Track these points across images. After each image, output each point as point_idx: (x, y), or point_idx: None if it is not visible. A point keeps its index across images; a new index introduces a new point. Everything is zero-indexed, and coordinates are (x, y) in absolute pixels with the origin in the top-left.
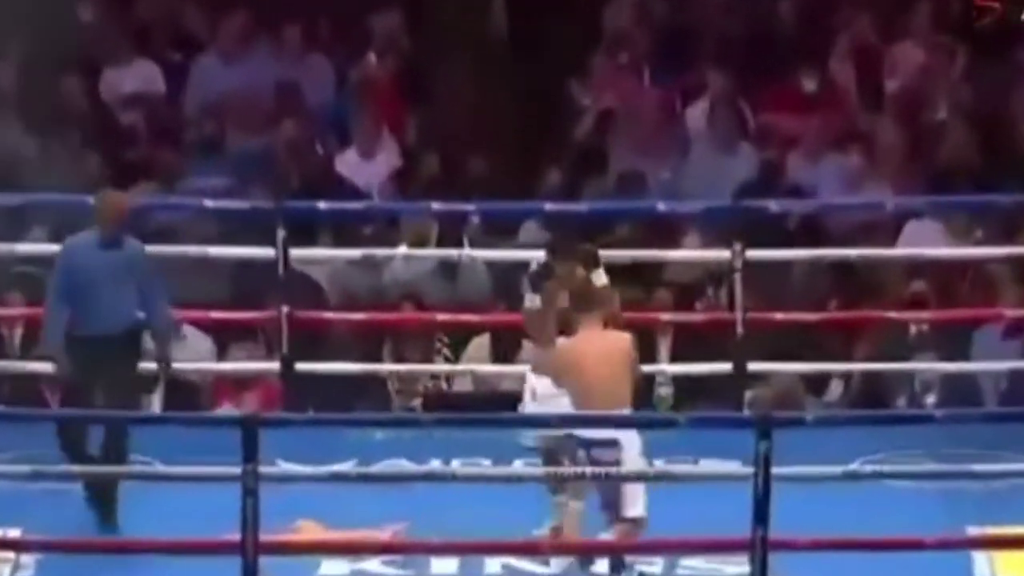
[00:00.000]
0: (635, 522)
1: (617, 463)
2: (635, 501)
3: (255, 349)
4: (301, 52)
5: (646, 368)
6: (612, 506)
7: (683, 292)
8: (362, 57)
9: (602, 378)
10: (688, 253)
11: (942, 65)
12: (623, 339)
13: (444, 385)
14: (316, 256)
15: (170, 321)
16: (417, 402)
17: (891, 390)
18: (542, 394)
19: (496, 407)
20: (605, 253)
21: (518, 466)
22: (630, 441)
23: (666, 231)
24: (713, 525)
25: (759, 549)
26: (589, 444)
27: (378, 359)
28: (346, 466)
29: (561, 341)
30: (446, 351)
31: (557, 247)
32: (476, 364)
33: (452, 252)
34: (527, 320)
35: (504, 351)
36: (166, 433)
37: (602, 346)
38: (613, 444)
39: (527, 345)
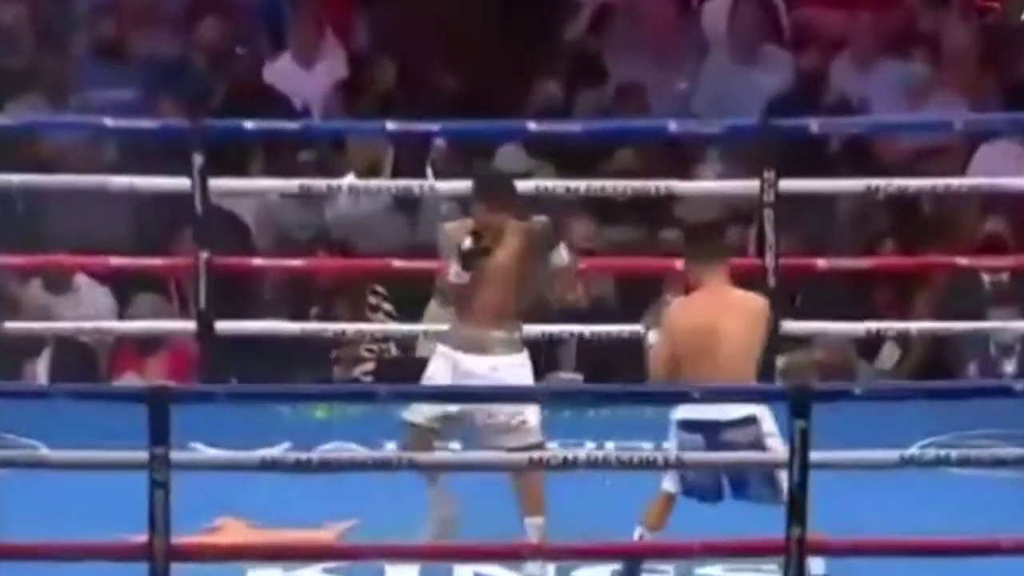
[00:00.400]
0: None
1: (757, 444)
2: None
3: (165, 304)
4: None
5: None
6: (769, 484)
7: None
8: None
9: (728, 349)
10: (706, 184)
11: None
12: (757, 302)
13: (395, 350)
14: (242, 188)
15: None
16: (362, 370)
17: (960, 355)
18: (466, 370)
19: None
20: (603, 184)
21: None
22: (763, 414)
23: (678, 157)
24: (738, 523)
25: (795, 553)
26: (717, 427)
27: (318, 317)
28: (278, 451)
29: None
30: (386, 306)
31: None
32: (439, 324)
33: (412, 184)
34: (454, 291)
35: None
36: (53, 409)
37: (726, 309)
38: (750, 422)
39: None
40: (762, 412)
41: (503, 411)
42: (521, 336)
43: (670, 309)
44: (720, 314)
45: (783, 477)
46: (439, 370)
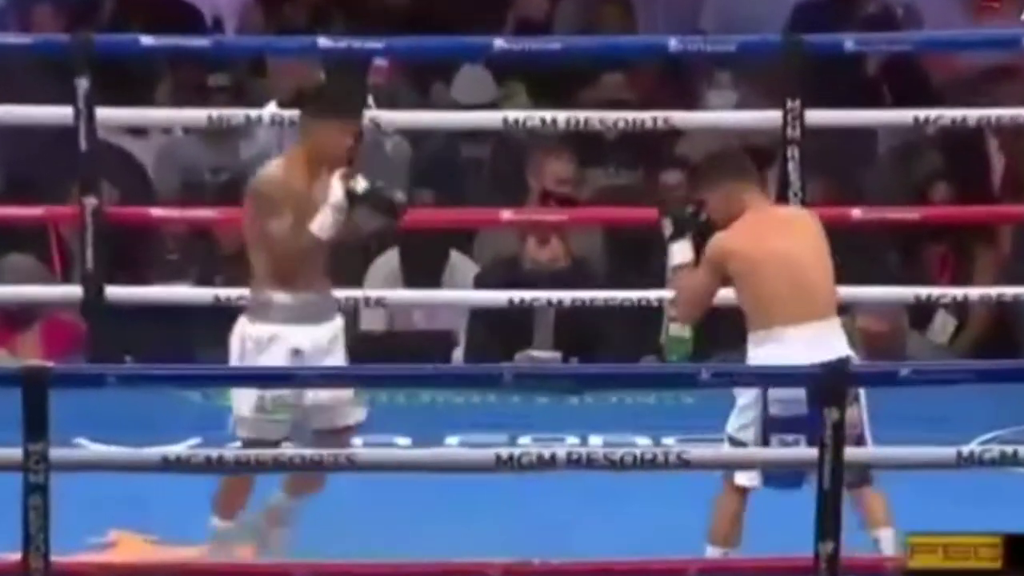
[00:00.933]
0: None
1: (857, 397)
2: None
3: (42, 266)
4: None
5: (648, 293)
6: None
7: None
8: None
9: (801, 274)
10: (715, 116)
11: None
12: (813, 216)
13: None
14: (137, 120)
15: None
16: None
17: None
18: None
19: (413, 352)
20: (588, 116)
21: (452, 444)
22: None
23: (681, 82)
24: (756, 535)
25: (826, 572)
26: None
27: (234, 281)
28: (185, 447)
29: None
30: None
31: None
32: (382, 290)
33: None
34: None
35: (419, 271)
36: None
37: (792, 229)
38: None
39: (456, 259)
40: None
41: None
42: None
43: (721, 242)
44: (794, 236)
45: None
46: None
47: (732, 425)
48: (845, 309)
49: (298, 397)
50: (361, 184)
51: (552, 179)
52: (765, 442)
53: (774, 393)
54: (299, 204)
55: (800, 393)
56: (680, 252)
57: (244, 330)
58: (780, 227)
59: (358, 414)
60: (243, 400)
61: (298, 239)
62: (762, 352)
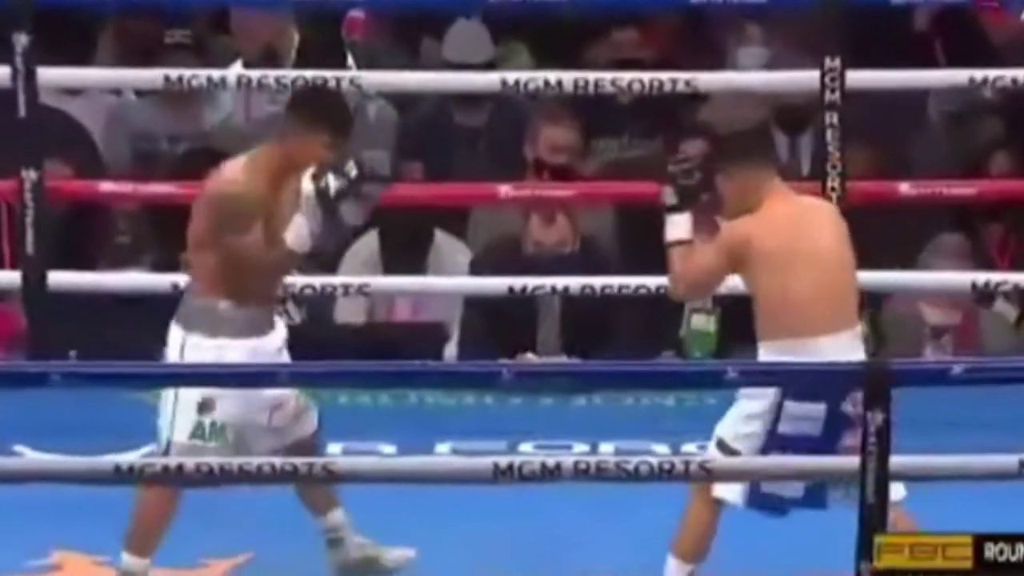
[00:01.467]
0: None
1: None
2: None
3: None
4: None
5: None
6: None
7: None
8: None
9: (833, 278)
10: (743, 78)
11: None
12: (836, 213)
13: (294, 314)
14: (84, 81)
15: None
16: None
17: None
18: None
19: (397, 348)
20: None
21: (443, 452)
22: None
23: (705, 38)
24: (787, 553)
25: None
26: (841, 390)
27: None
28: (139, 456)
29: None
30: None
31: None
32: (359, 276)
33: (325, 75)
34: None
35: (402, 254)
36: None
37: (817, 225)
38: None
39: (441, 241)
40: None
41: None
42: None
43: (747, 227)
44: (823, 231)
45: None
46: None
47: (729, 431)
48: (877, 300)
49: (245, 422)
50: (334, 182)
51: (546, 146)
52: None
53: (790, 409)
54: (268, 214)
55: (816, 411)
56: (681, 226)
57: (183, 342)
58: (810, 220)
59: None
60: (179, 424)
61: (270, 254)
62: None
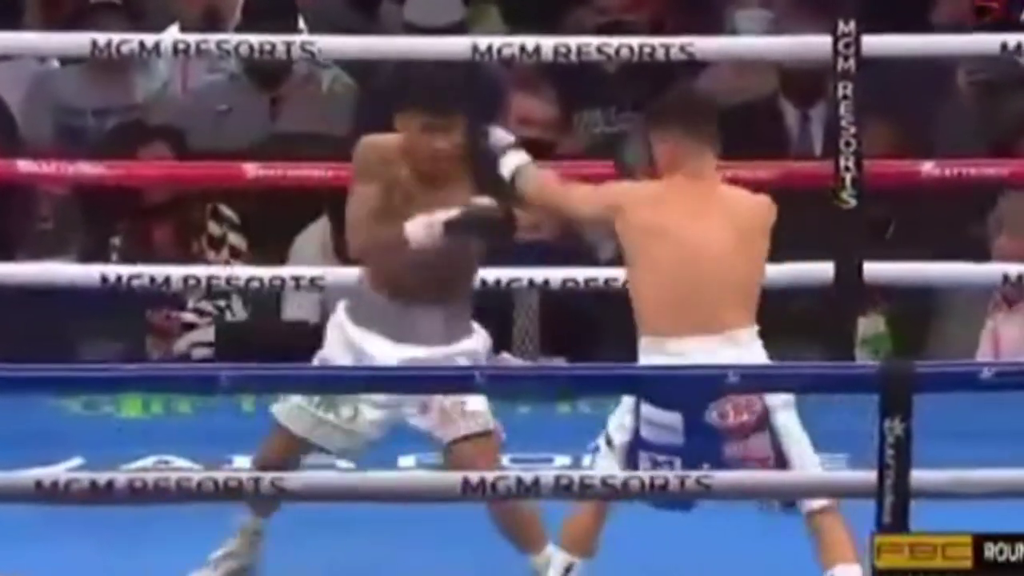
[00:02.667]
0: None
1: (760, 424)
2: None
3: None
4: None
5: None
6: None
7: (736, 119)
8: None
9: (703, 274)
10: (745, 43)
11: None
12: (755, 203)
13: (239, 310)
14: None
15: None
16: (194, 341)
17: None
18: None
19: None
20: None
21: (407, 466)
22: (786, 405)
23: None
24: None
25: None
26: (700, 399)
27: (124, 255)
28: (64, 470)
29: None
30: (234, 239)
31: None
32: (306, 267)
33: (273, 41)
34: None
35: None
36: None
37: (710, 212)
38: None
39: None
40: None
41: (439, 400)
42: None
43: (624, 189)
44: (704, 216)
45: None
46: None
47: (614, 420)
48: (896, 295)
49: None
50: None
51: (517, 117)
52: (632, 453)
53: (647, 413)
54: (390, 184)
55: (672, 419)
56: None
57: (343, 329)
58: (705, 208)
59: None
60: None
61: (378, 225)
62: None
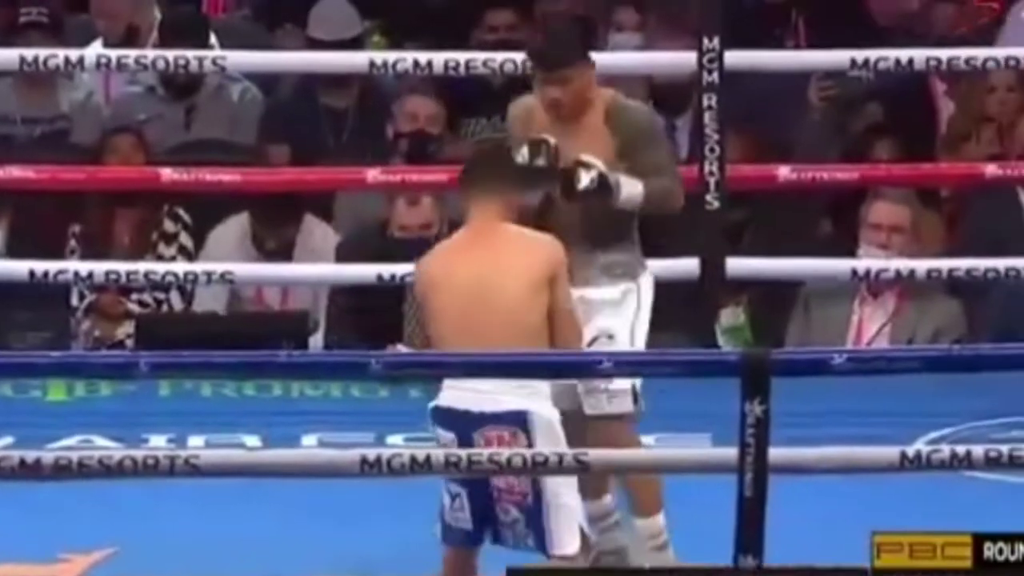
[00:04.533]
0: (571, 560)
1: (532, 459)
2: (567, 526)
3: None
4: None
5: None
6: (530, 535)
7: None
8: None
9: (480, 314)
10: (618, 57)
11: None
12: (542, 243)
13: (177, 301)
14: None
15: None
16: (126, 332)
17: (1007, 309)
18: None
19: (260, 337)
20: (469, 58)
21: (310, 445)
22: (547, 417)
23: (577, 18)
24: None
25: None
26: (469, 421)
27: (55, 253)
28: None
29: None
30: (184, 239)
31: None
32: (227, 260)
33: (186, 55)
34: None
35: (270, 239)
36: None
37: (485, 261)
38: (518, 421)
39: (311, 223)
40: (541, 412)
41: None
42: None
43: (422, 264)
44: (482, 262)
45: (552, 533)
46: None
47: None
48: (756, 288)
49: None
50: (584, 179)
51: (406, 116)
52: None
53: (436, 432)
54: (528, 127)
55: (449, 439)
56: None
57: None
58: (490, 256)
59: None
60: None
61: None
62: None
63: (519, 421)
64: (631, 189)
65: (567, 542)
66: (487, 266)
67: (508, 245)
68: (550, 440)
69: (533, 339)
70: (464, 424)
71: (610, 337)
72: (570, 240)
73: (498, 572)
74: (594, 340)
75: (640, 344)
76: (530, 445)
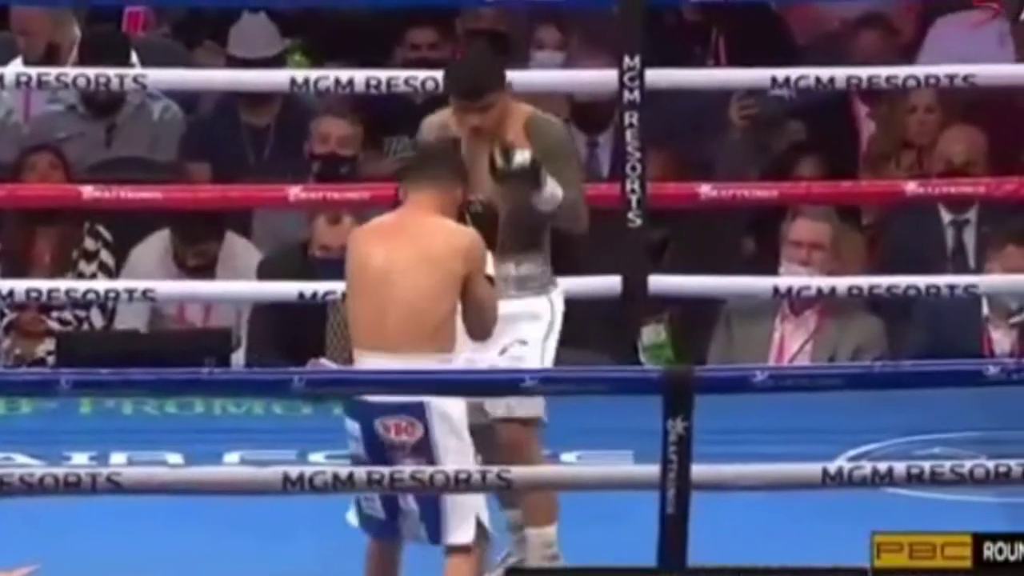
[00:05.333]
0: (465, 550)
1: (421, 449)
2: (462, 517)
3: None
4: None
5: None
6: (422, 527)
7: None
8: None
9: (385, 297)
10: (539, 76)
11: None
12: (459, 236)
13: (98, 319)
14: None
15: None
16: (48, 349)
17: (928, 323)
18: None
19: (182, 354)
20: (388, 77)
21: (232, 462)
22: (445, 410)
23: (498, 37)
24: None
25: None
26: (371, 411)
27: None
28: None
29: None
30: (105, 256)
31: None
32: (148, 277)
33: (107, 73)
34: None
35: (193, 254)
36: None
37: (401, 250)
38: (414, 412)
39: (232, 240)
40: (439, 403)
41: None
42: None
43: (353, 237)
44: (398, 247)
45: (446, 521)
46: None
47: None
48: (681, 305)
49: None
50: (518, 156)
51: (319, 138)
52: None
53: (346, 423)
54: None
55: (355, 429)
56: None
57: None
58: (398, 238)
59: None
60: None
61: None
62: None
63: (416, 411)
64: (554, 188)
65: (461, 532)
66: (402, 256)
67: (429, 237)
68: (450, 431)
69: (429, 338)
70: (366, 413)
71: (523, 343)
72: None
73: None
74: (504, 350)
75: (549, 361)
76: (427, 435)
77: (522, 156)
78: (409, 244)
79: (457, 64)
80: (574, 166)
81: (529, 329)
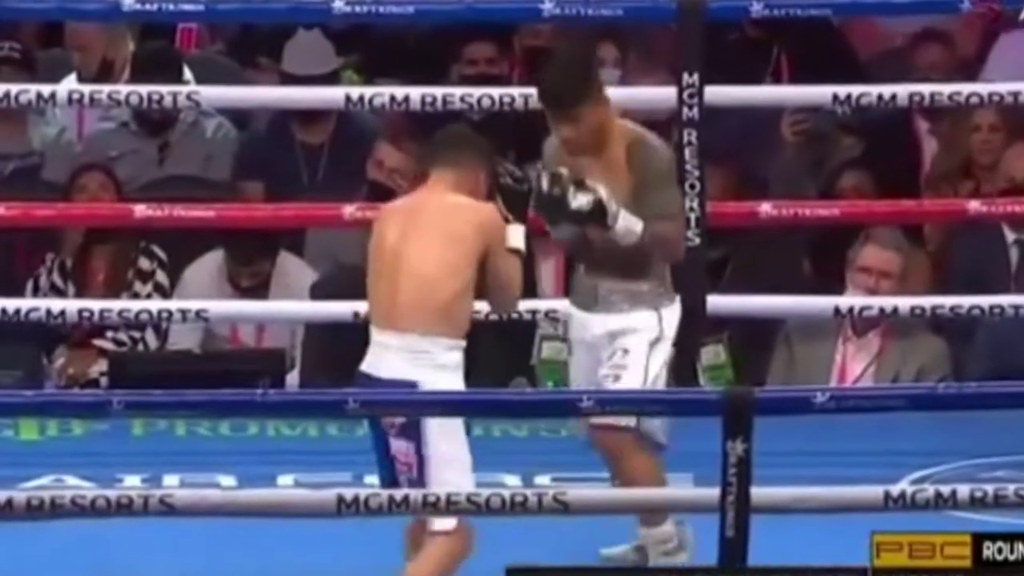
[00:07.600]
0: (448, 536)
1: (409, 431)
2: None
3: None
4: None
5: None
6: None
7: None
8: None
9: (397, 273)
10: None
11: None
12: (474, 211)
13: (152, 339)
14: None
15: None
16: (100, 369)
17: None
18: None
19: (235, 375)
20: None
21: (286, 484)
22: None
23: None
24: None
25: None
26: (369, 383)
27: (17, 290)
28: None
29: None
30: (160, 277)
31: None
32: (202, 296)
33: (160, 90)
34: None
35: (247, 274)
36: None
37: (418, 226)
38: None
39: (286, 261)
40: (432, 384)
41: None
42: None
43: (381, 214)
44: (414, 224)
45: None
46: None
47: None
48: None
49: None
50: (577, 199)
51: (376, 165)
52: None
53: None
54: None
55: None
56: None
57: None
58: (412, 219)
59: None
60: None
61: None
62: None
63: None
64: (628, 224)
65: (443, 520)
66: (416, 233)
67: (443, 214)
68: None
69: (437, 318)
70: (368, 386)
71: (625, 351)
72: (601, 269)
73: (498, 572)
74: (611, 355)
75: (654, 371)
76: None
77: (584, 199)
78: (424, 221)
79: (547, 68)
80: (675, 198)
81: (634, 340)
